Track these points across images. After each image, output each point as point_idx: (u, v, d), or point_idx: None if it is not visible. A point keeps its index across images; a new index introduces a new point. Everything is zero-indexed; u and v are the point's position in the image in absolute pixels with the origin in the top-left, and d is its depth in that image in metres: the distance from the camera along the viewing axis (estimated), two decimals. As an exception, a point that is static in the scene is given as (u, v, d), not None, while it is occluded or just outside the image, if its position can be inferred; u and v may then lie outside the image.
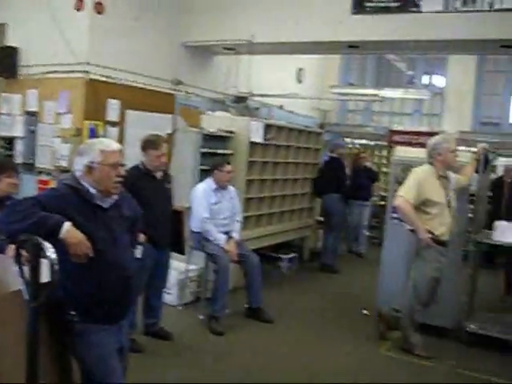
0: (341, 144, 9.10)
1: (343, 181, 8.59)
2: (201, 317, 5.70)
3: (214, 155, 6.48)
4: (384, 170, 11.60)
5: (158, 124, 7.81)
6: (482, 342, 5.40)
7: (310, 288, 7.37)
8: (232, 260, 5.66)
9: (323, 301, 6.84)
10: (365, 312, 6.26)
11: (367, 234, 9.95)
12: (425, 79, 14.96)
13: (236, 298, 6.06)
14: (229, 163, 5.84)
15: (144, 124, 7.54)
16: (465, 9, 7.10)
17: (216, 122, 6.99)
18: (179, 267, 5.98)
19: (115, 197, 2.91)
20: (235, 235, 5.81)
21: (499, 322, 5.71)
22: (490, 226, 5.80)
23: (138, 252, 3.61)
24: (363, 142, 12.61)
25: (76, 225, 2.66)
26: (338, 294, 7.17)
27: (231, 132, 6.83)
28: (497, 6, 6.92)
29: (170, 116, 8.31)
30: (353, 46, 8.21)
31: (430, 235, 4.95)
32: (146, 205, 3.58)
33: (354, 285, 7.71)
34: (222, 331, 5.39)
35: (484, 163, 5.59)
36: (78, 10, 7.15)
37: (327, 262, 8.33)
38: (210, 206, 5.66)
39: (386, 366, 4.98)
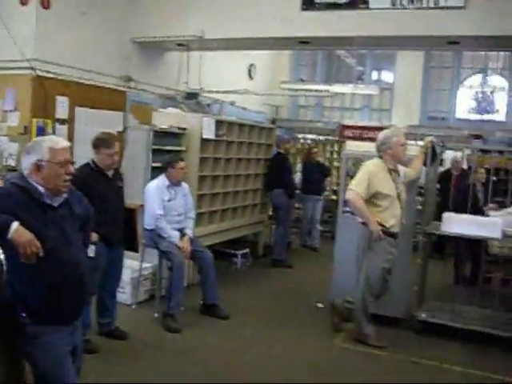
0: (286, 139, 9.10)
1: (287, 176, 8.59)
2: (156, 315, 5.66)
3: (166, 152, 6.44)
4: (336, 164, 11.74)
5: (109, 121, 7.71)
6: (433, 330, 5.55)
7: (264, 283, 7.40)
8: (186, 257, 5.64)
9: (278, 295, 6.88)
10: (319, 305, 6.34)
11: (320, 228, 10.05)
12: (374, 75, 15.23)
13: (191, 295, 6.04)
14: (182, 160, 5.82)
15: (94, 121, 7.43)
16: (411, 6, 7.25)
17: (167, 118, 6.94)
18: (133, 265, 5.92)
19: (65, 195, 2.86)
20: (189, 232, 5.79)
21: (449, 310, 5.86)
22: (438, 218, 5.95)
23: (91, 251, 3.57)
24: (315, 137, 12.72)
25: (24, 224, 2.61)
26: (292, 288, 7.23)
27: (183, 129, 6.79)
28: (441, 4, 7.10)
29: (120, 113, 8.22)
30: (303, 41, 8.28)
31: (381, 227, 5.05)
32: (98, 203, 3.54)
33: (309, 278, 7.77)
34: (177, 328, 5.37)
35: (432, 156, 5.72)
36: (23, 4, 6.98)
37: (277, 257, 8.37)
38: (163, 203, 5.62)
39: (341, 358, 5.05)
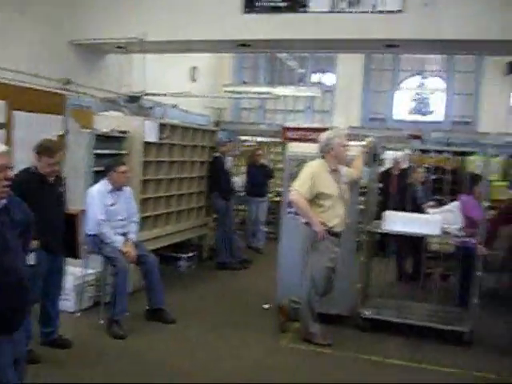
0: (222, 142, 9.06)
1: (223, 179, 8.50)
2: (101, 322, 5.56)
3: (109, 156, 6.34)
4: (279, 166, 11.80)
5: (48, 125, 7.51)
6: (378, 326, 5.67)
7: (210, 286, 7.39)
8: (130, 262, 5.57)
9: (224, 298, 6.88)
10: (265, 306, 6.37)
11: (265, 229, 10.10)
12: (316, 77, 15.44)
13: (136, 301, 5.97)
14: (124, 164, 5.75)
15: (33, 126, 7.23)
16: (350, 9, 7.40)
17: (109, 122, 6.82)
18: (76, 272, 5.81)
19: (4, 201, 2.78)
20: (132, 236, 5.73)
21: (392, 306, 6.01)
22: (380, 216, 6.07)
23: (31, 258, 3.48)
24: (259, 139, 12.78)
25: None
26: (238, 290, 7.23)
27: (125, 132, 6.71)
28: (379, 8, 7.28)
29: (60, 117, 8.02)
30: (244, 44, 8.32)
31: (325, 227, 5.12)
32: (38, 209, 3.44)
33: (254, 280, 7.80)
34: (123, 335, 5.29)
35: (372, 157, 5.85)
36: (-45, 5, 6.75)
37: (220, 259, 8.35)
38: (105, 208, 5.55)
39: (288, 357, 5.10)
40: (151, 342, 5.26)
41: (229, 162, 8.99)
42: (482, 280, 5.65)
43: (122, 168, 5.64)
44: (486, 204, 5.80)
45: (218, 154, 8.53)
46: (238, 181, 10.00)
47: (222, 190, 8.35)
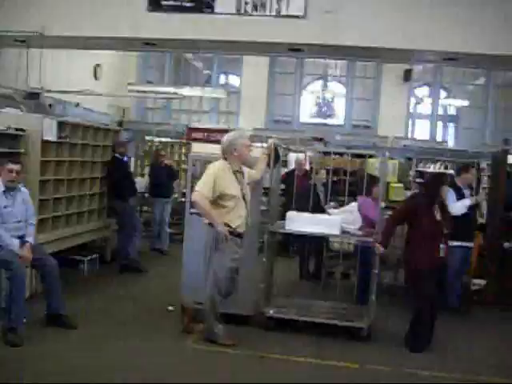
0: (121, 142, 8.84)
1: (121, 179, 8.25)
2: (-5, 329, 5.31)
3: (4, 155, 6.05)
4: (184, 166, 11.76)
5: None
6: (281, 325, 5.78)
7: (113, 289, 7.22)
8: (27, 265, 5.35)
9: (128, 300, 6.74)
10: (170, 308, 6.32)
11: (170, 230, 10.02)
12: (221, 78, 15.55)
13: (34, 306, 5.73)
14: (18, 162, 5.50)
15: None
16: (255, 13, 7.51)
17: (4, 119, 6.53)
18: (-33, 277, 5.51)
19: None
20: (29, 239, 5.50)
21: (295, 305, 6.14)
22: (283, 217, 6.17)
23: None
24: (163, 139, 12.66)
25: None
26: (142, 293, 7.12)
27: (22, 130, 6.44)
28: (283, 13, 7.44)
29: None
30: (149, 43, 8.23)
31: (227, 228, 5.15)
32: None
33: (159, 282, 7.71)
34: (20, 342, 5.05)
35: (275, 158, 5.93)
36: None
37: (123, 261, 8.19)
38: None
39: (192, 358, 5.09)
40: (51, 349, 5.06)
41: (129, 162, 8.82)
42: (379, 277, 5.89)
43: (9, 166, 5.38)
44: (384, 204, 6.07)
45: (116, 154, 8.32)
46: (142, 181, 9.85)
47: (120, 191, 8.16)
